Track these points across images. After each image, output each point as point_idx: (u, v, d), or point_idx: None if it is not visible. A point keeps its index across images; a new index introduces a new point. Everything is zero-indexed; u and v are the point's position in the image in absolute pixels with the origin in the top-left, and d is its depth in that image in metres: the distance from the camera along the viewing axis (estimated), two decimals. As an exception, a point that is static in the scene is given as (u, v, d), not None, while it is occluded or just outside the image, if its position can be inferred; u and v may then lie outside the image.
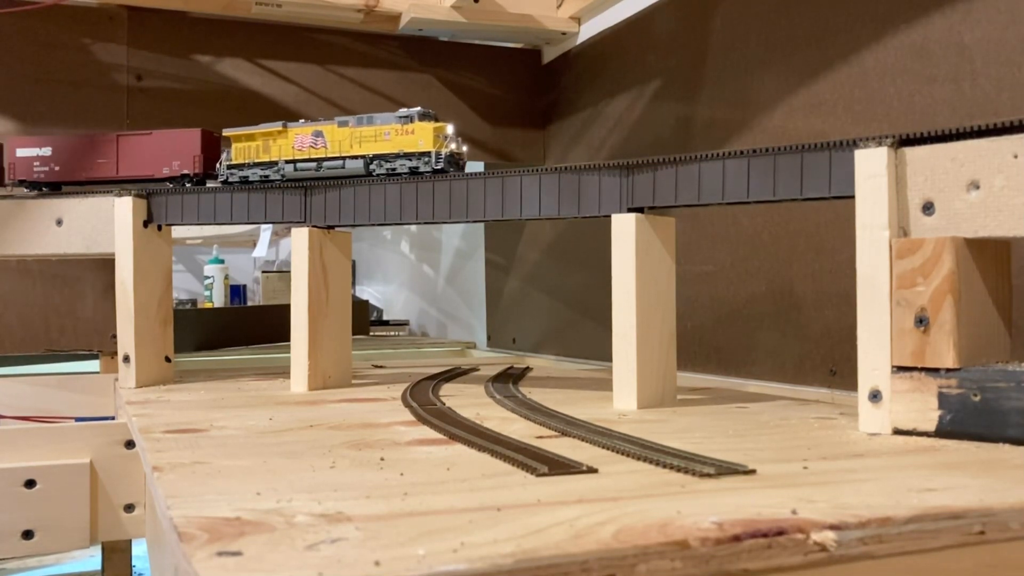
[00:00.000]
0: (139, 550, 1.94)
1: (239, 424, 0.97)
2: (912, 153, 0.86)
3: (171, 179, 1.43)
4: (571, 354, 1.93)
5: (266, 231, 3.30)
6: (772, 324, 1.40)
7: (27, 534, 1.13)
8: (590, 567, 0.47)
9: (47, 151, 1.48)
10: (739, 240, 1.47)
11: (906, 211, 0.86)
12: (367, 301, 3.07)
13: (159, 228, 1.42)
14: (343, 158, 1.29)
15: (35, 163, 1.49)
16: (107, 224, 1.41)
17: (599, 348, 1.76)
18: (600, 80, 1.89)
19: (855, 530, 0.52)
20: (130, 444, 1.17)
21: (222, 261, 3.20)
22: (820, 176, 0.93)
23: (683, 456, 0.73)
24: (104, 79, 1.81)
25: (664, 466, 0.71)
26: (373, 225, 1.33)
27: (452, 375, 1.52)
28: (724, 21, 1.52)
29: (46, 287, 1.79)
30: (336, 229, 1.35)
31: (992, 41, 1.07)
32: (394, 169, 1.25)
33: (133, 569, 1.90)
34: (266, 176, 1.35)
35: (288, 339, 1.33)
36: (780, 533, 0.51)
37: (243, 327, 2.34)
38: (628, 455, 0.76)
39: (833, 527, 0.52)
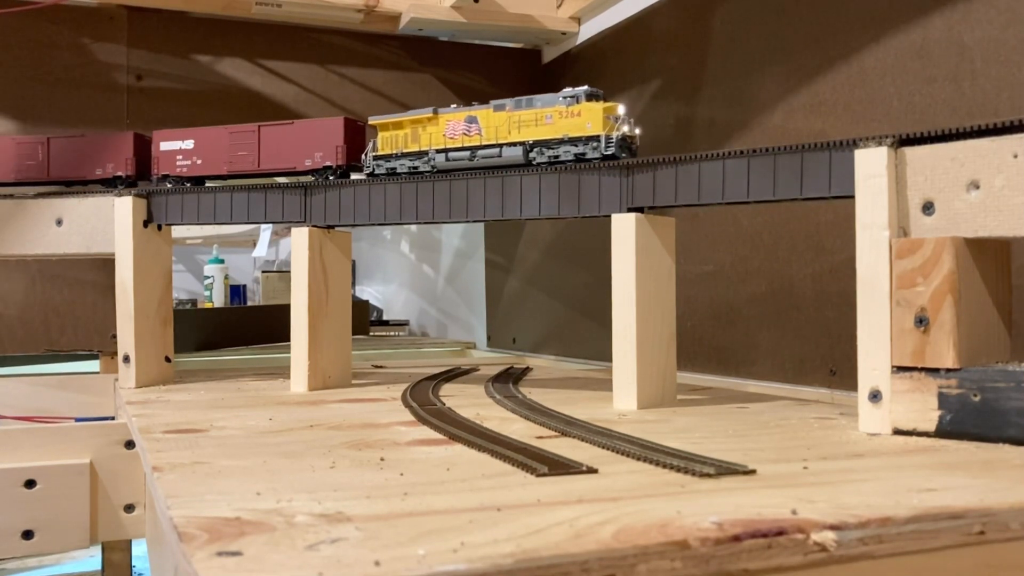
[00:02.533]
0: (139, 550, 1.94)
1: (239, 424, 0.97)
2: (912, 153, 0.86)
3: (313, 172, 1.35)
4: (571, 354, 1.93)
5: (266, 231, 3.30)
6: (772, 324, 1.40)
7: (27, 534, 1.13)
8: (590, 567, 0.47)
9: (190, 144, 1.43)
10: (739, 240, 1.47)
11: (906, 211, 0.86)
12: (367, 301, 3.07)
13: (159, 228, 1.42)
14: (500, 145, 1.19)
15: (178, 157, 1.43)
16: (107, 224, 1.41)
17: (599, 348, 1.76)
18: (600, 80, 1.89)
19: (855, 530, 0.52)
20: (130, 444, 1.17)
21: (222, 261, 3.20)
22: (820, 176, 0.93)
23: (683, 456, 0.73)
24: (104, 79, 1.81)
25: (664, 466, 0.71)
26: (373, 225, 1.33)
27: (452, 375, 1.52)
28: (724, 21, 1.52)
29: (46, 287, 1.79)
30: (336, 229, 1.35)
31: (992, 41, 1.07)
32: (557, 156, 1.14)
33: (133, 569, 1.90)
34: (415, 167, 1.26)
35: (288, 339, 1.33)
36: (780, 533, 0.51)
37: (243, 327, 2.34)
38: (628, 455, 0.76)
39: (833, 527, 0.52)
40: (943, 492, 0.61)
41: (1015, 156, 0.80)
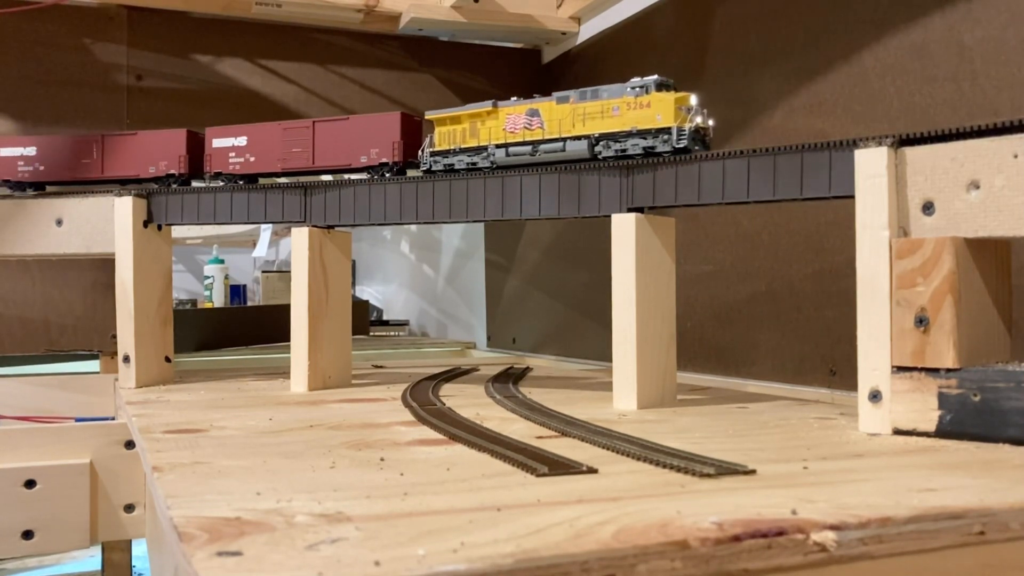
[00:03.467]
0: (139, 550, 1.94)
1: (239, 424, 0.97)
2: (912, 153, 0.86)
3: (369, 169, 1.31)
4: (571, 354, 1.93)
5: (266, 231, 3.30)
6: (772, 324, 1.40)
7: (27, 534, 1.13)
8: (590, 567, 0.47)
9: (243, 140, 1.40)
10: (739, 240, 1.47)
11: (906, 211, 0.86)
12: (367, 301, 3.07)
13: (159, 228, 1.42)
14: (563, 139, 1.13)
15: (231, 154, 1.40)
16: (107, 224, 1.41)
17: (599, 348, 1.76)
18: (600, 80, 1.89)
19: (855, 530, 0.52)
20: (130, 444, 1.17)
21: (222, 261, 3.20)
22: (820, 176, 0.93)
23: (683, 456, 0.73)
24: (104, 79, 1.81)
25: (664, 466, 0.71)
26: (373, 225, 1.33)
27: (452, 375, 1.52)
28: (724, 21, 1.52)
29: (46, 287, 1.79)
30: (336, 229, 1.35)
31: (992, 41, 1.07)
32: (624, 150, 1.09)
33: (133, 569, 1.90)
34: (473, 163, 1.21)
35: (288, 339, 1.33)
36: (780, 533, 0.51)
37: (243, 327, 2.33)
38: (628, 455, 0.76)
39: (833, 527, 0.52)
40: (943, 492, 0.61)
41: (1015, 156, 0.80)
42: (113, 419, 1.38)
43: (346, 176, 1.23)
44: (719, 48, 1.53)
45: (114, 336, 1.41)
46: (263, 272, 3.17)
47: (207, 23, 1.90)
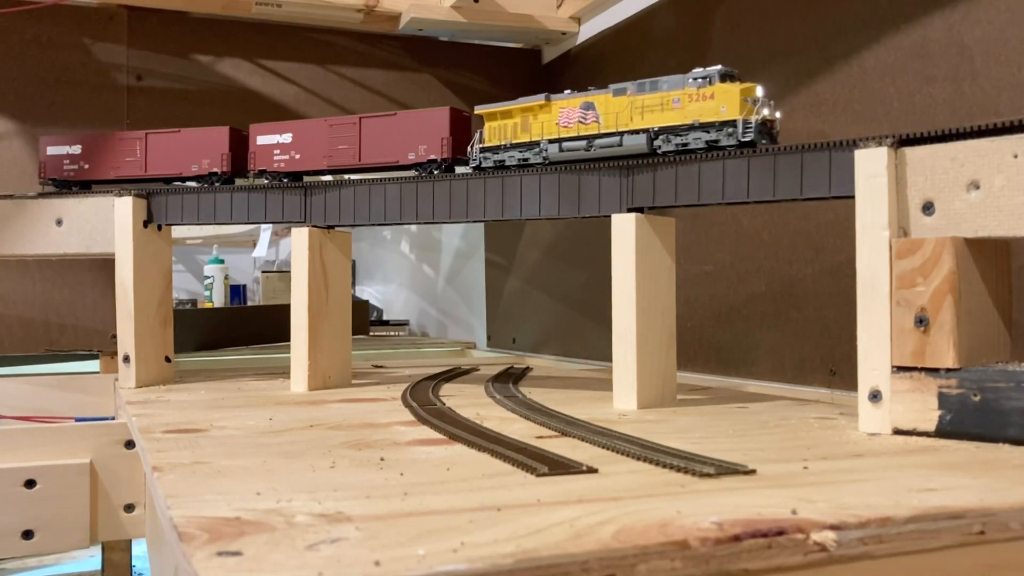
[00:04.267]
0: (139, 550, 1.94)
1: (239, 424, 0.97)
2: (912, 153, 0.86)
3: (417, 166, 1.27)
4: (571, 354, 1.93)
5: (266, 231, 3.30)
6: (772, 324, 1.40)
7: (27, 534, 1.13)
8: (590, 567, 0.47)
9: (288, 137, 1.36)
10: (739, 240, 1.47)
11: (906, 211, 0.86)
12: (367, 301, 3.07)
13: (159, 228, 1.42)
14: (620, 134, 1.09)
15: (275, 151, 1.37)
16: (107, 224, 1.41)
17: (599, 348, 1.76)
18: (600, 80, 1.89)
19: (855, 530, 0.52)
20: (130, 444, 1.17)
21: (222, 261, 3.20)
22: (820, 176, 0.93)
23: (683, 456, 0.73)
24: (104, 79, 1.81)
25: (664, 466, 0.71)
26: (373, 225, 1.33)
27: (452, 375, 1.52)
28: (724, 21, 1.52)
29: (46, 287, 1.79)
30: (336, 229, 1.35)
31: (992, 41, 1.07)
32: (686, 144, 1.03)
33: (133, 569, 1.90)
34: (525, 159, 1.17)
35: (288, 339, 1.33)
36: (780, 533, 0.51)
37: (243, 327, 2.33)
38: (628, 455, 0.76)
39: (833, 527, 0.52)
40: (943, 492, 0.61)
41: (1015, 156, 0.80)
42: (113, 419, 1.38)
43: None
44: (719, 48, 1.53)
45: (114, 336, 1.41)
46: (263, 272, 3.17)
47: (207, 23, 1.90)
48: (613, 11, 1.86)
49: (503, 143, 1.19)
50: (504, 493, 0.62)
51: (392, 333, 2.92)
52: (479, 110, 1.22)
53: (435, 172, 1.24)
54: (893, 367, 0.86)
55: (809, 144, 0.94)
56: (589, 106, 1.12)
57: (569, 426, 0.91)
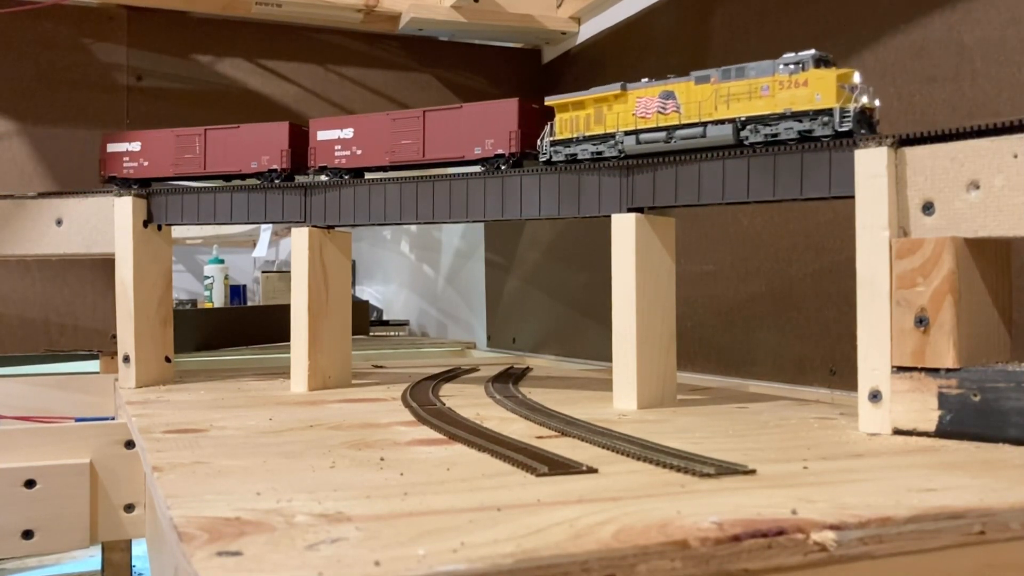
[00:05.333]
0: (139, 550, 1.94)
1: (239, 424, 0.97)
2: (912, 153, 0.86)
3: (484, 161, 1.22)
4: (571, 354, 1.93)
5: (266, 231, 3.30)
6: (772, 324, 1.40)
7: (27, 534, 1.13)
8: (590, 567, 0.47)
9: (349, 132, 1.32)
10: (739, 240, 1.47)
11: (906, 211, 0.86)
12: (367, 301, 3.07)
13: (159, 228, 1.42)
14: (703, 124, 1.02)
15: (336, 147, 1.33)
16: (107, 224, 1.41)
17: (599, 348, 1.76)
18: (600, 80, 1.89)
19: (855, 530, 0.52)
20: (130, 444, 1.17)
21: (222, 261, 3.20)
22: (820, 176, 0.93)
23: (683, 456, 0.73)
24: (104, 79, 1.81)
25: (664, 466, 0.71)
26: (373, 225, 1.33)
27: (452, 375, 1.52)
28: (724, 21, 1.52)
29: (46, 287, 1.79)
30: (336, 229, 1.35)
31: (992, 41, 1.07)
32: (775, 135, 0.97)
33: (133, 569, 1.90)
34: (599, 152, 1.11)
35: (288, 339, 1.33)
36: (780, 533, 0.51)
37: (243, 327, 2.33)
38: (628, 455, 0.76)
39: (833, 527, 0.52)
40: (943, 492, 0.61)
41: (1015, 156, 0.80)
42: (113, 419, 1.38)
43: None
44: (719, 48, 1.53)
45: (114, 336, 1.41)
46: (263, 272, 3.18)
47: (207, 23, 1.89)
48: (613, 11, 1.86)
49: (575, 136, 1.13)
50: (504, 493, 0.62)
51: (392, 333, 2.92)
52: (549, 101, 1.17)
53: (503, 168, 1.19)
54: (893, 367, 0.86)
55: (809, 144, 0.94)
56: (669, 95, 1.06)
57: (569, 426, 0.91)
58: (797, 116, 0.96)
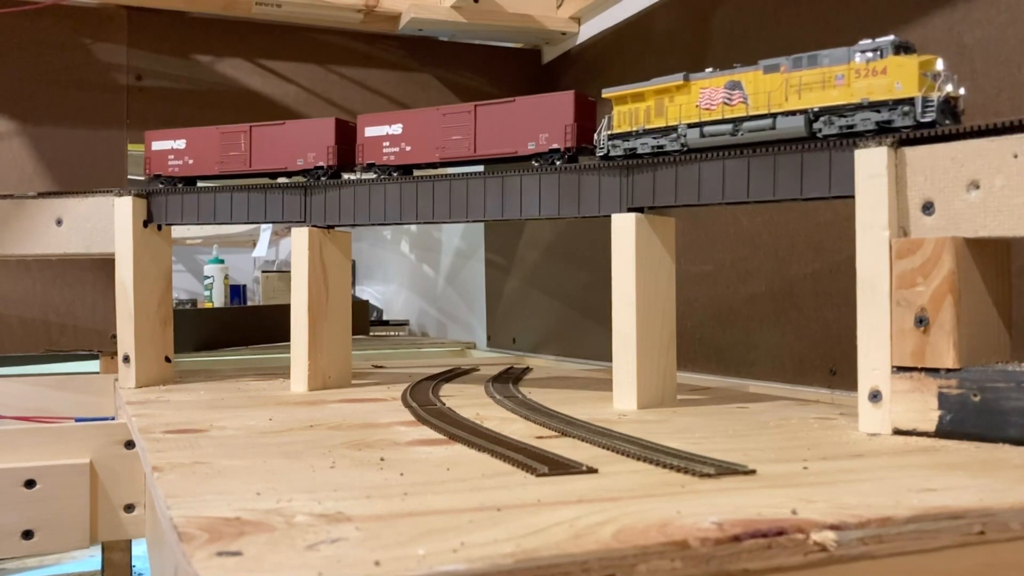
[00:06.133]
0: (139, 550, 1.94)
1: (239, 424, 0.97)
2: (912, 153, 0.86)
3: (538, 156, 1.18)
4: (571, 354, 1.93)
5: (266, 231, 3.30)
6: (772, 324, 1.40)
7: (27, 534, 1.13)
8: (590, 567, 0.47)
9: (397, 129, 1.29)
10: (739, 240, 1.47)
11: (906, 211, 0.86)
12: (367, 301, 3.07)
13: (159, 228, 1.42)
14: (773, 115, 0.97)
15: (384, 143, 1.30)
16: (107, 224, 1.41)
17: (599, 348, 1.76)
18: (600, 80, 1.89)
19: (855, 530, 0.52)
20: (130, 444, 1.17)
21: (222, 261, 3.20)
22: (820, 176, 0.93)
23: (683, 456, 0.73)
24: (104, 79, 1.81)
25: (664, 466, 0.71)
26: (373, 225, 1.33)
27: (452, 375, 1.52)
28: (724, 21, 1.52)
29: (46, 287, 1.79)
30: (336, 229, 1.35)
31: (992, 41, 1.07)
32: (851, 126, 0.92)
33: (133, 569, 1.90)
34: (660, 146, 1.06)
35: (288, 339, 1.33)
36: (780, 533, 0.51)
37: (243, 327, 2.34)
38: (628, 455, 0.76)
39: (833, 527, 0.52)
40: (943, 492, 0.61)
41: (1015, 156, 0.80)
42: (113, 419, 1.38)
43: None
44: (719, 48, 1.53)
45: (114, 336, 1.41)
46: (263, 272, 3.18)
47: (207, 23, 1.89)
48: (613, 11, 1.86)
49: (635, 129, 1.09)
50: (504, 493, 0.62)
51: (392, 333, 2.92)
52: (607, 93, 1.12)
53: (557, 163, 1.15)
54: (893, 367, 0.86)
55: (809, 144, 0.94)
56: (735, 85, 1.01)
57: (569, 426, 0.91)
58: (875, 106, 0.91)
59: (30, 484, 1.13)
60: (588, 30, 1.97)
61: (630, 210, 1.08)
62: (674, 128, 1.05)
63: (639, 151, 1.08)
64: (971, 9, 1.10)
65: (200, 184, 1.44)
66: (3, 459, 1.13)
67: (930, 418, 0.84)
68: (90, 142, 1.79)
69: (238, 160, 1.40)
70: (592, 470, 0.69)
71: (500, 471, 0.70)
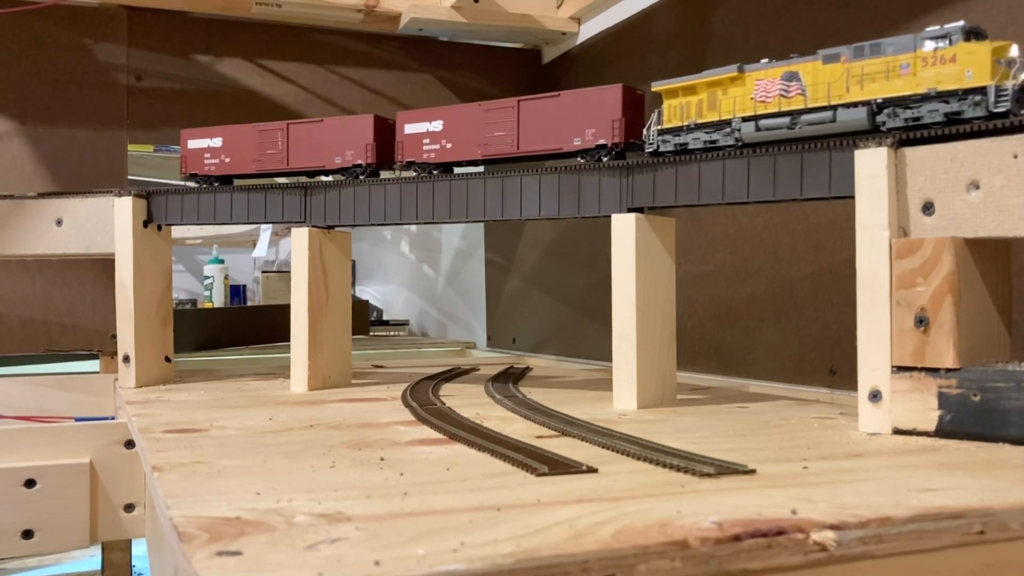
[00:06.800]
0: (139, 550, 1.94)
1: (239, 424, 0.97)
2: (912, 153, 0.86)
3: (583, 152, 1.14)
4: (571, 354, 1.93)
5: (266, 231, 3.30)
6: (772, 324, 1.40)
7: (27, 534, 1.13)
8: (590, 567, 0.47)
9: (438, 125, 1.26)
10: (739, 240, 1.47)
11: (906, 211, 0.86)
12: (367, 301, 3.07)
13: (159, 228, 1.42)
14: (833, 108, 0.93)
15: (424, 141, 1.27)
16: (107, 224, 1.41)
17: (599, 348, 1.76)
18: (600, 80, 1.89)
19: (855, 530, 0.52)
20: (130, 444, 1.17)
21: (222, 261, 3.20)
22: (820, 176, 0.93)
23: (683, 456, 0.73)
24: (104, 79, 1.81)
25: (664, 466, 0.71)
26: (373, 225, 1.33)
27: (452, 375, 1.52)
28: (724, 21, 1.52)
29: (46, 287, 1.79)
30: (336, 229, 1.35)
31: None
32: (918, 118, 0.88)
33: (133, 569, 1.90)
34: (713, 141, 1.03)
35: (288, 339, 1.33)
36: (780, 533, 0.51)
37: (243, 327, 2.34)
38: (628, 455, 0.76)
39: (833, 527, 0.52)
40: (943, 492, 0.61)
41: (1015, 156, 0.80)
42: (113, 419, 1.38)
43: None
44: (719, 48, 1.53)
45: (114, 336, 1.41)
46: (263, 272, 3.18)
47: (207, 23, 1.90)
48: (613, 11, 1.86)
49: (686, 123, 1.05)
50: (504, 493, 0.62)
51: (392, 333, 2.92)
52: (656, 87, 1.09)
53: (604, 159, 1.12)
54: (893, 367, 0.86)
55: (809, 144, 0.94)
56: (792, 76, 0.97)
57: (569, 426, 0.91)
58: (943, 96, 0.87)
59: (30, 484, 1.13)
60: (588, 30, 1.97)
61: (630, 210, 1.08)
62: (728, 122, 1.02)
63: (690, 146, 1.05)
64: (971, 9, 1.10)
65: (236, 183, 1.41)
66: (3, 459, 1.13)
67: (930, 418, 0.84)
68: (90, 142, 1.79)
69: (275, 159, 1.39)
70: (592, 470, 0.69)
71: (500, 471, 0.70)
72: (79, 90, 1.79)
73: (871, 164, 0.87)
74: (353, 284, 3.27)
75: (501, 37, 2.09)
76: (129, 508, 1.18)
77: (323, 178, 1.39)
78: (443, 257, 2.77)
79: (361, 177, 1.31)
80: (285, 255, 3.51)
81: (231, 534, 0.51)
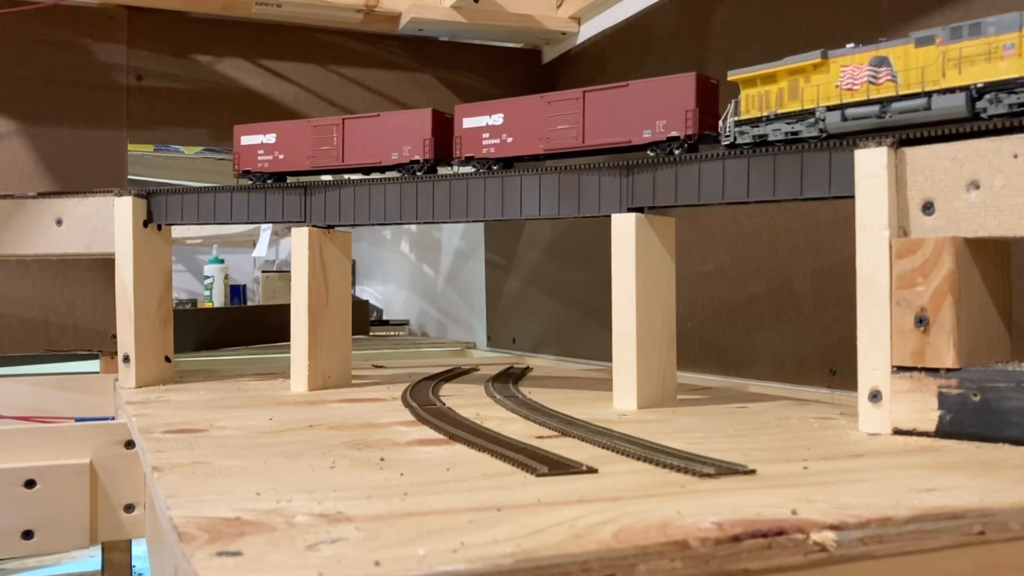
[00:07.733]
0: (139, 550, 1.94)
1: (239, 424, 0.97)
2: (912, 153, 0.86)
3: (654, 145, 1.09)
4: (571, 354, 1.93)
5: (266, 231, 3.30)
6: (772, 324, 1.40)
7: (27, 534, 1.13)
8: (590, 567, 0.47)
9: (498, 119, 1.22)
10: (739, 240, 1.47)
11: (906, 211, 0.86)
12: (367, 301, 3.07)
13: (159, 228, 1.42)
14: (927, 94, 0.87)
15: (484, 135, 1.23)
16: (107, 224, 1.41)
17: (599, 348, 1.76)
18: (600, 81, 1.89)
19: (855, 530, 0.52)
20: (130, 444, 1.17)
21: (222, 261, 3.20)
22: (820, 176, 0.93)
23: (683, 456, 0.73)
24: (104, 79, 1.81)
25: (664, 466, 0.71)
26: (373, 225, 1.33)
27: (452, 375, 1.52)
28: (724, 21, 1.52)
29: (46, 287, 1.79)
30: (336, 229, 1.35)
31: (992, 41, 1.07)
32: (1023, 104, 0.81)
33: (133, 569, 1.90)
34: (795, 132, 0.97)
35: (288, 339, 1.33)
36: (780, 533, 0.51)
37: (243, 327, 2.33)
38: (628, 455, 0.76)
39: (833, 527, 0.52)
40: (943, 492, 0.61)
41: (1015, 156, 0.80)
42: (113, 419, 1.38)
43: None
44: (719, 48, 1.53)
45: (114, 336, 1.41)
46: (263, 272, 3.18)
47: (207, 23, 1.89)
48: (613, 11, 1.86)
49: (766, 114, 0.99)
50: (504, 493, 0.62)
51: (392, 333, 2.92)
52: (733, 76, 1.03)
53: (676, 152, 1.06)
54: (893, 367, 0.86)
55: (809, 144, 0.94)
56: (882, 61, 0.90)
57: (569, 426, 0.91)
58: None
59: (30, 484, 1.13)
60: (588, 30, 1.97)
61: (630, 210, 1.08)
62: (811, 112, 0.96)
63: (770, 138, 0.99)
64: (971, 9, 1.10)
65: (289, 180, 1.39)
66: (3, 459, 1.13)
67: (930, 418, 0.84)
68: (90, 142, 1.79)
69: (330, 155, 1.35)
70: (592, 470, 0.69)
71: (500, 471, 0.70)
72: (79, 90, 1.79)
73: (871, 164, 0.87)
74: (353, 284, 3.27)
75: (501, 37, 2.09)
76: (129, 508, 1.18)
77: (376, 175, 1.35)
78: (443, 257, 2.77)
79: (419, 174, 1.27)
80: (285, 255, 3.51)
81: (231, 534, 0.51)
